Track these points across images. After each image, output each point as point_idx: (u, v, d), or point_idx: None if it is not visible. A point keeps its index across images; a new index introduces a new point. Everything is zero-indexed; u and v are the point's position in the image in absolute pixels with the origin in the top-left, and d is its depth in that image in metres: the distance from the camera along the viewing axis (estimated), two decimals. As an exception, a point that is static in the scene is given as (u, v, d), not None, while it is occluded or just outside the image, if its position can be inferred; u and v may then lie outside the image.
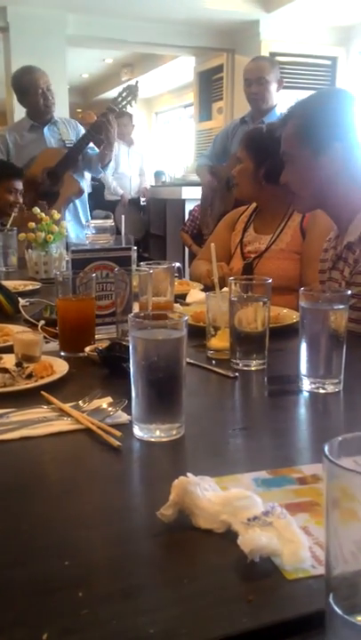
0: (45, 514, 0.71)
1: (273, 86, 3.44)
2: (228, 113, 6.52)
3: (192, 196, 5.67)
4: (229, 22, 6.02)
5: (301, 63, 6.04)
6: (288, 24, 5.84)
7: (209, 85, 7.08)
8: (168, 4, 5.53)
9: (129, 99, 3.36)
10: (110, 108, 3.35)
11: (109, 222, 1.73)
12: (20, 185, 3.04)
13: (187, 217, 5.77)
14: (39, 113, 3.52)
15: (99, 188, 6.09)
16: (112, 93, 10.03)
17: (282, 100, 3.73)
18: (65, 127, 3.55)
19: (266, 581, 0.58)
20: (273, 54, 5.88)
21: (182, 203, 6.08)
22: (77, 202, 3.59)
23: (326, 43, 6.05)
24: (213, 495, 0.69)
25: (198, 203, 4.70)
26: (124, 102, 3.35)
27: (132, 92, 3.36)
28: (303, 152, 1.60)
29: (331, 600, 0.48)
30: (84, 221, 3.55)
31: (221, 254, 2.29)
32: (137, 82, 3.45)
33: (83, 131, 3.53)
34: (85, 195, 3.69)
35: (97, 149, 3.49)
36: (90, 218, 3.76)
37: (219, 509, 0.67)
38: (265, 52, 5.88)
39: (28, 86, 3.46)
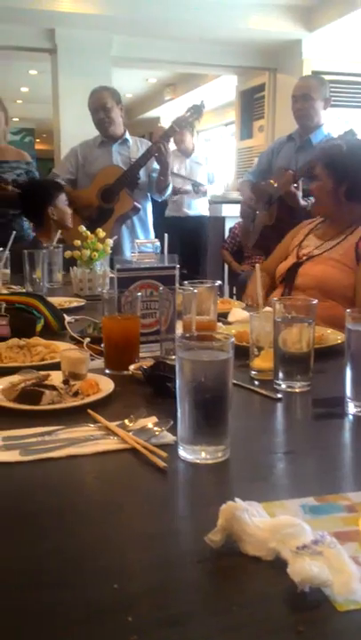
0: (92, 535, 0.72)
1: (319, 104, 3.43)
2: (270, 131, 6.53)
3: (232, 214, 5.68)
4: (272, 42, 6.05)
5: (344, 82, 6.02)
6: (330, 42, 5.84)
7: (251, 104, 7.12)
8: (211, 24, 5.59)
9: (193, 118, 3.39)
10: (172, 127, 3.39)
11: (155, 241, 1.74)
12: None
13: (227, 234, 5.79)
14: (101, 130, 3.62)
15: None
16: (154, 113, 10.21)
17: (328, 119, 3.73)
18: (136, 146, 3.61)
19: (316, 612, 0.57)
20: (315, 73, 5.87)
21: (222, 220, 6.10)
22: (135, 220, 3.62)
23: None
24: (262, 522, 0.68)
25: (239, 220, 4.71)
26: (188, 122, 3.39)
27: (196, 111, 3.39)
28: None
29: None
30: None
31: (278, 255, 2.32)
32: (202, 101, 3.46)
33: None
34: (147, 214, 3.72)
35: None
36: (152, 235, 3.79)
37: (267, 536, 0.66)
38: (307, 71, 5.89)
39: (90, 106, 3.61)
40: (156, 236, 3.75)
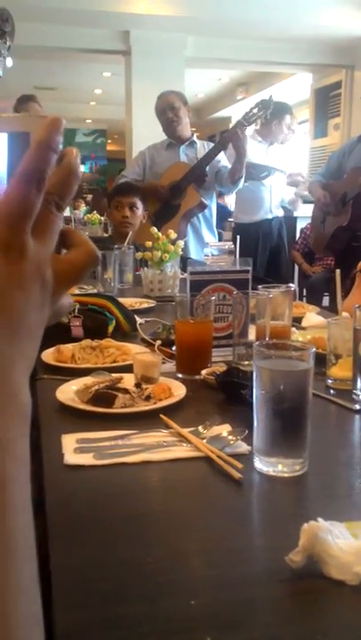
0: (166, 546, 0.70)
1: None
2: (346, 129, 6.38)
3: (304, 214, 5.57)
4: (348, 38, 5.90)
5: None
6: None
7: (326, 102, 6.98)
8: (285, 22, 5.52)
9: (261, 113, 3.34)
10: (240, 122, 3.36)
11: (228, 244, 1.72)
12: (128, 200, 3.09)
13: (298, 235, 5.68)
14: (169, 132, 3.63)
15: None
16: (226, 112, 10.18)
17: None
18: (203, 148, 3.60)
19: None
20: (395, 69, 5.70)
21: (294, 220, 5.99)
22: (201, 219, 3.61)
23: None
24: (346, 544, 0.65)
25: (310, 221, 4.60)
26: (256, 116, 3.34)
27: (265, 106, 3.34)
28: None
29: None
30: (206, 240, 3.56)
31: None
32: (271, 96, 3.41)
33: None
34: (212, 213, 3.70)
35: (229, 166, 3.49)
36: (216, 237, 3.76)
37: (352, 560, 0.63)
38: (386, 68, 5.71)
39: (157, 108, 3.63)
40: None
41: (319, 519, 0.66)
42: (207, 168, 3.47)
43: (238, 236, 2.23)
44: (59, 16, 5.23)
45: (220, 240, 4.32)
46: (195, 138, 3.67)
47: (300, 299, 5.23)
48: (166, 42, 5.63)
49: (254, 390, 0.89)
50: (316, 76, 7.06)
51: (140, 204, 3.09)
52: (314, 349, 0.89)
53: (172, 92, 3.69)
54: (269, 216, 4.49)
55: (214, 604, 0.60)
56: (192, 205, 3.42)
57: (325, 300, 4.87)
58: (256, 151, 4.42)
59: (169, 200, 3.41)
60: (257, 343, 0.91)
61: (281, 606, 0.60)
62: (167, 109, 3.56)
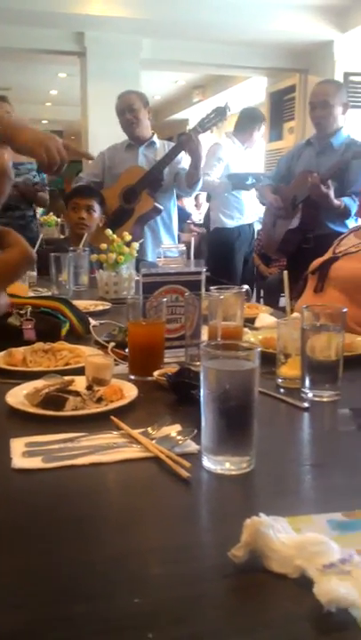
0: (114, 546, 0.71)
1: (337, 110, 3.43)
2: (300, 133, 6.49)
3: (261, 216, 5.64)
4: (302, 43, 6.00)
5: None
6: (363, 44, 5.78)
7: (281, 105, 7.08)
8: (240, 25, 5.57)
9: (216, 120, 3.36)
10: (195, 128, 3.37)
11: (181, 246, 1.73)
12: (85, 202, 3.08)
13: (255, 236, 5.74)
14: (127, 132, 3.62)
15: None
16: (182, 115, 10.22)
17: (355, 121, 3.70)
18: (163, 149, 3.59)
19: (342, 634, 0.56)
20: (347, 74, 5.82)
21: (250, 224, 6.05)
22: (159, 222, 3.60)
23: None
24: (287, 538, 0.66)
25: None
26: (211, 123, 3.36)
27: (220, 113, 3.36)
28: None
29: None
30: (164, 242, 3.56)
31: None
32: (226, 103, 3.43)
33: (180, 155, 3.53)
34: (172, 217, 3.70)
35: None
36: (175, 240, 3.76)
37: (293, 553, 0.64)
38: (339, 72, 5.83)
39: (117, 108, 3.61)
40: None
41: (261, 514, 0.67)
42: (166, 170, 3.48)
43: (193, 239, 2.26)
44: (14, 16, 5.18)
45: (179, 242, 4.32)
46: (155, 138, 3.66)
47: (258, 300, 5.29)
48: (121, 43, 5.63)
49: (202, 390, 0.90)
50: (271, 80, 7.15)
51: (97, 207, 3.08)
52: (260, 349, 0.91)
53: (132, 92, 3.67)
54: (249, 221, 4.54)
55: (158, 601, 0.60)
56: (145, 210, 3.41)
57: (282, 301, 4.95)
58: (236, 154, 4.47)
59: (123, 204, 3.41)
60: (204, 344, 0.93)
61: (224, 601, 0.61)
62: (126, 110, 3.56)
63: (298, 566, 0.63)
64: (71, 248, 2.61)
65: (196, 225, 8.34)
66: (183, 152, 3.42)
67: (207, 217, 5.72)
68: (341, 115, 3.46)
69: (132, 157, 3.60)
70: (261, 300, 5.32)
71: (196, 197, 8.50)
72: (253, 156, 4.78)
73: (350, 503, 0.78)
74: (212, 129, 3.42)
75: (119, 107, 3.60)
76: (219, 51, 6.13)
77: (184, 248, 1.64)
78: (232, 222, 4.49)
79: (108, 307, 2.14)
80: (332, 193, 3.18)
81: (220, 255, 4.50)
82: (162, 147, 3.62)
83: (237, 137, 4.54)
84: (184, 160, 3.51)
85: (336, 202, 3.21)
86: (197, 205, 9.28)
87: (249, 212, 4.55)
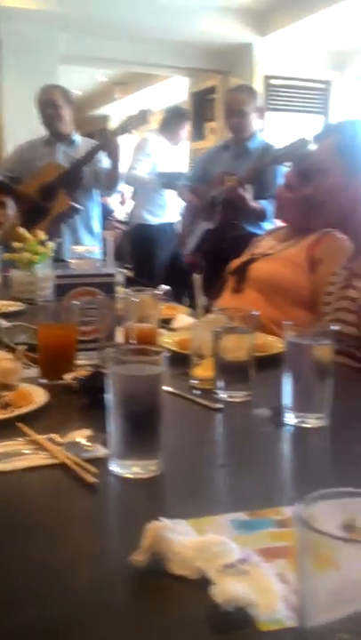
0: (15, 557, 0.69)
1: (253, 116, 3.52)
2: (220, 133, 6.56)
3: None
4: (224, 45, 6.07)
5: (296, 86, 6.10)
6: (283, 48, 5.90)
7: (202, 106, 7.14)
8: (162, 24, 5.58)
9: (136, 123, 3.34)
10: (115, 130, 3.34)
11: (95, 248, 1.71)
12: (3, 198, 3.01)
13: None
14: (48, 127, 3.54)
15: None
16: (104, 111, 10.12)
17: (275, 123, 3.79)
18: (84, 147, 3.51)
19: (239, 634, 0.57)
20: (267, 77, 5.94)
21: (172, 223, 6.08)
22: (78, 221, 3.54)
23: (321, 67, 6.11)
24: (188, 540, 0.67)
25: None
26: (131, 126, 3.34)
27: (141, 117, 3.34)
28: (337, 167, 1.64)
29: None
30: (84, 241, 3.50)
31: None
32: (149, 109, 3.41)
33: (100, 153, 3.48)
34: (92, 216, 3.65)
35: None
36: (97, 238, 3.69)
37: (193, 555, 0.65)
38: (259, 75, 5.94)
39: (39, 101, 3.53)
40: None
41: (162, 518, 0.67)
42: (86, 169, 3.43)
43: (110, 239, 2.24)
44: None
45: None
46: (76, 136, 3.59)
47: (179, 300, 5.30)
48: (38, 37, 5.50)
49: (108, 395, 0.90)
50: (192, 80, 7.20)
51: (10, 203, 3.01)
52: (167, 354, 0.91)
53: (56, 87, 3.60)
54: (172, 219, 4.54)
55: (55, 611, 0.59)
56: (62, 210, 3.35)
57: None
58: (163, 150, 4.45)
59: (39, 202, 3.34)
60: (110, 349, 0.92)
61: (123, 607, 0.61)
62: (49, 105, 3.48)
63: (198, 568, 0.64)
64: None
65: (119, 222, 8.26)
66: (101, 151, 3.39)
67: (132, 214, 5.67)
68: (257, 119, 3.54)
69: (50, 154, 3.53)
70: (187, 300, 5.33)
71: (122, 194, 8.44)
72: (179, 154, 4.78)
73: (255, 502, 0.80)
74: (132, 131, 3.40)
75: (41, 100, 3.52)
76: (139, 49, 6.11)
77: (98, 250, 1.63)
78: (154, 219, 4.49)
79: (22, 307, 2.09)
80: (249, 195, 3.24)
81: (143, 252, 4.49)
82: (83, 144, 3.57)
83: (164, 134, 4.55)
84: (105, 159, 3.48)
85: (253, 204, 3.27)
86: (122, 202, 9.22)
87: (172, 210, 4.57)
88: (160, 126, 4.60)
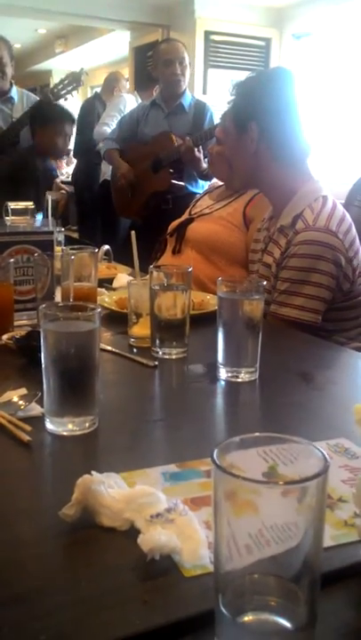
0: None
1: (188, 69, 3.49)
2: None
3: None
4: (165, -2, 5.93)
5: (236, 43, 6.01)
6: (223, 3, 5.79)
7: (144, 61, 6.96)
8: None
9: (70, 87, 3.22)
10: (46, 95, 3.22)
11: (30, 204, 1.68)
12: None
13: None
14: None
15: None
16: (46, 65, 9.78)
17: (215, 81, 3.76)
18: (21, 103, 3.38)
19: (163, 580, 0.59)
20: (208, 32, 5.85)
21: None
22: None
23: (261, 24, 6.03)
24: (118, 493, 0.68)
25: None
26: (65, 90, 3.22)
27: (75, 79, 3.22)
28: (230, 130, 1.65)
29: (219, 600, 0.49)
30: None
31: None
32: (82, 69, 3.30)
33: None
34: None
35: None
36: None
37: (122, 507, 0.67)
38: (200, 31, 5.84)
39: None
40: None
41: (93, 472, 0.69)
42: (23, 131, 3.31)
43: (50, 197, 2.20)
44: None
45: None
46: (13, 92, 3.43)
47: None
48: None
49: (42, 353, 0.90)
50: (133, 34, 7.01)
51: None
52: (100, 310, 0.91)
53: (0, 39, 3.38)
54: None
55: (-13, 564, 0.60)
56: None
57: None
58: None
59: None
60: (43, 306, 0.91)
61: (51, 561, 0.62)
62: None
63: (127, 519, 0.66)
64: None
65: (64, 183, 8.09)
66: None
67: (76, 174, 5.54)
68: (188, 74, 3.52)
69: None
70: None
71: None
72: None
73: (186, 454, 0.82)
74: (68, 97, 3.29)
75: None
76: (79, 0, 5.90)
77: (33, 206, 1.60)
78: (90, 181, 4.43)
79: None
80: (201, 156, 3.21)
81: (108, 209, 4.41)
82: (20, 100, 3.43)
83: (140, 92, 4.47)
84: None
85: (205, 165, 3.25)
86: (68, 162, 9.00)
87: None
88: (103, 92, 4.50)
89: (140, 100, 4.43)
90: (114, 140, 3.72)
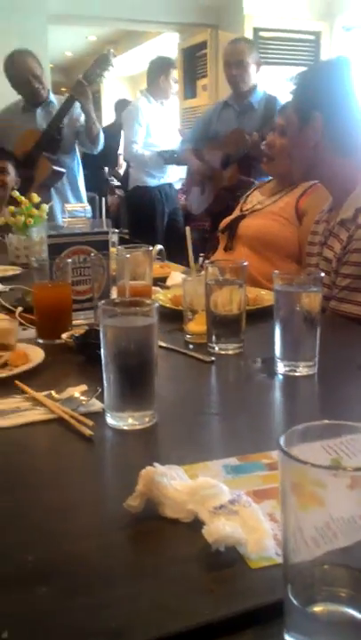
0: (13, 508, 0.71)
1: (252, 68, 3.49)
2: (213, 90, 6.44)
3: (181, 176, 5.61)
4: (213, -3, 5.93)
5: (285, 39, 5.95)
6: (272, -1, 5.76)
7: (193, 62, 6.98)
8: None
9: (100, 70, 3.25)
10: (80, 82, 3.26)
11: (86, 206, 1.70)
12: (4, 164, 2.99)
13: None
14: (32, 97, 3.46)
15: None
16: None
17: (267, 77, 3.74)
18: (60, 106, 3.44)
19: (229, 571, 0.58)
20: (257, 30, 5.80)
21: (171, 183, 6.02)
22: (65, 183, 3.51)
23: (310, 18, 5.95)
24: (181, 484, 0.69)
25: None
26: (95, 74, 3.25)
27: (104, 61, 3.25)
28: (293, 121, 1.62)
29: (289, 590, 0.48)
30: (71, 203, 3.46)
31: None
32: (109, 50, 3.31)
33: (78, 109, 3.40)
34: (76, 175, 3.60)
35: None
36: (84, 199, 3.64)
37: (186, 499, 0.67)
38: (248, 28, 5.80)
39: (14, 77, 3.42)
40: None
41: (156, 464, 0.69)
42: (65, 129, 3.38)
43: (103, 198, 2.23)
44: None
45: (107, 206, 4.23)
46: (51, 97, 3.51)
47: (178, 260, 5.28)
48: (25, -3, 5.36)
49: (102, 349, 0.91)
50: (182, 36, 7.03)
51: (11, 169, 3.00)
52: (158, 304, 0.92)
53: (27, 54, 3.44)
54: (171, 180, 4.48)
55: (52, 558, 0.61)
56: (45, 176, 3.30)
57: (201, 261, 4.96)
58: (153, 113, 4.36)
59: (23, 172, 3.28)
60: (102, 302, 0.92)
61: (117, 551, 0.63)
62: (32, 79, 3.36)
63: (190, 510, 0.66)
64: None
65: (116, 187, 8.19)
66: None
67: (125, 177, 5.60)
68: (255, 73, 3.50)
69: (30, 120, 3.45)
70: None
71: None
72: (170, 112, 4.66)
73: (246, 448, 0.82)
74: (100, 79, 3.32)
75: (20, 73, 3.38)
76: (128, 5, 5.95)
77: (89, 207, 1.62)
78: (153, 181, 4.44)
79: (18, 271, 2.10)
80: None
81: (142, 214, 4.44)
82: (59, 103, 3.48)
83: (151, 92, 4.45)
84: (83, 117, 3.41)
85: None
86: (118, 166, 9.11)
87: (170, 171, 4.51)
88: (147, 84, 4.50)
89: (151, 102, 4.42)
90: (190, 141, 3.77)
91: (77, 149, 3.58)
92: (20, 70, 3.38)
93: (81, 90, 3.20)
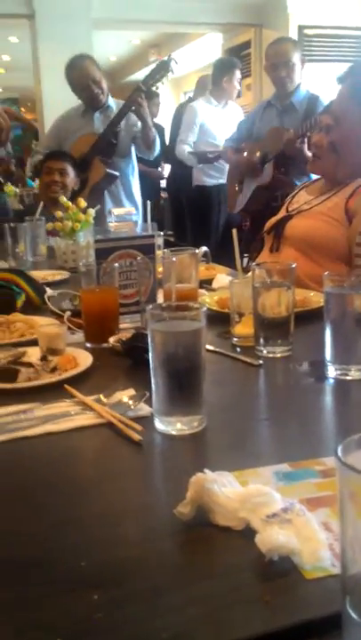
0: (65, 512, 0.71)
1: (298, 67, 3.43)
2: (257, 90, 6.40)
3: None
4: (256, -4, 5.89)
5: (330, 35, 5.86)
6: (315, -4, 5.68)
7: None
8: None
9: (159, 76, 3.28)
10: (139, 87, 3.29)
11: (132, 210, 1.71)
12: (58, 165, 3.09)
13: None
14: (92, 103, 3.50)
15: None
16: (140, 75, 9.97)
17: (311, 75, 3.70)
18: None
19: (283, 581, 0.57)
20: (301, 27, 5.74)
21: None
22: (120, 187, 3.54)
23: (355, 13, 5.85)
24: (232, 491, 0.68)
25: None
26: (155, 79, 3.28)
27: (164, 67, 3.27)
28: (351, 113, 1.56)
29: (347, 603, 0.47)
30: (127, 208, 3.49)
31: None
32: (169, 56, 3.34)
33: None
34: (130, 180, 3.63)
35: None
36: (138, 204, 3.64)
37: (237, 506, 0.66)
38: (293, 26, 5.74)
39: (74, 82, 3.47)
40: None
41: (206, 470, 0.68)
42: (122, 134, 3.41)
43: (148, 202, 2.24)
44: None
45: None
46: (110, 101, 3.54)
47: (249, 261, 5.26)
48: (71, 3, 5.43)
49: (150, 354, 0.91)
50: (226, 36, 7.01)
51: (71, 170, 3.08)
52: (205, 308, 0.91)
53: (86, 58, 3.49)
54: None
55: (104, 563, 0.61)
56: (98, 179, 3.34)
57: (244, 262, 4.94)
58: (211, 115, 4.39)
59: (78, 173, 3.33)
60: (150, 307, 0.92)
61: (168, 559, 0.62)
62: (91, 85, 3.40)
63: (242, 518, 0.65)
64: (27, 218, 2.56)
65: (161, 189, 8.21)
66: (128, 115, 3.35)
67: (169, 180, 5.62)
68: (300, 71, 3.46)
69: (88, 124, 3.51)
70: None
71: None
72: (234, 113, 4.63)
73: (297, 454, 0.80)
74: (158, 85, 3.34)
75: (79, 79, 3.43)
76: (172, 7, 5.97)
77: (135, 211, 1.63)
78: (211, 181, 4.46)
79: (66, 276, 2.12)
80: (305, 147, 3.18)
81: (200, 213, 4.48)
82: (117, 108, 3.52)
83: (213, 95, 4.47)
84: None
85: (309, 154, 3.21)
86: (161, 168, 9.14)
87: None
88: (211, 85, 4.51)
89: (213, 103, 4.42)
90: (233, 141, 3.77)
91: (134, 154, 3.60)
92: (80, 75, 3.44)
93: (137, 96, 3.23)
